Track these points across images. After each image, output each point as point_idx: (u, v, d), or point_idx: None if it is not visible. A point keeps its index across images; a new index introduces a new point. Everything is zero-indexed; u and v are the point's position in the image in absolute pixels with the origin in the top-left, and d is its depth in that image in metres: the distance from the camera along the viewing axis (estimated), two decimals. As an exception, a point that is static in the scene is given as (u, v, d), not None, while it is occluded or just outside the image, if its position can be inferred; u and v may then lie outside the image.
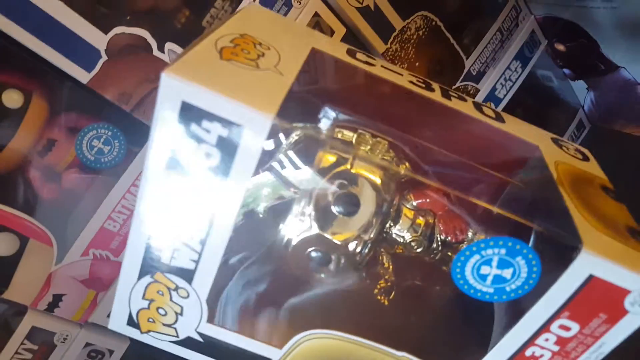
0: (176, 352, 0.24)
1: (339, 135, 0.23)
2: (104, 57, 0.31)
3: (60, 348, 0.38)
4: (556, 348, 0.20)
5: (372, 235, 0.23)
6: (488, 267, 0.20)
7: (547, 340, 0.20)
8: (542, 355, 0.21)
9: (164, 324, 0.23)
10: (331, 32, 0.37)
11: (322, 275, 0.25)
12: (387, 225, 0.24)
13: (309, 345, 0.23)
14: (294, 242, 0.24)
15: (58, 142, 0.33)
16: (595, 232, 0.19)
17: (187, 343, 0.23)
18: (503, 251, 0.20)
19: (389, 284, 0.25)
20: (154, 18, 0.31)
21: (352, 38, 0.39)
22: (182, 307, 0.23)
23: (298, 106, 0.20)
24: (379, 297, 0.25)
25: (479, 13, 0.46)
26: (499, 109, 0.51)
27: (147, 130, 0.34)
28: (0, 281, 0.33)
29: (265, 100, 0.18)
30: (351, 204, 0.23)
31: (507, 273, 0.20)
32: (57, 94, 0.31)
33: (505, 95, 0.51)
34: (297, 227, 0.24)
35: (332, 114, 0.22)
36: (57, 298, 0.36)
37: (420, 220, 0.24)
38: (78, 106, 0.32)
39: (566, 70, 0.56)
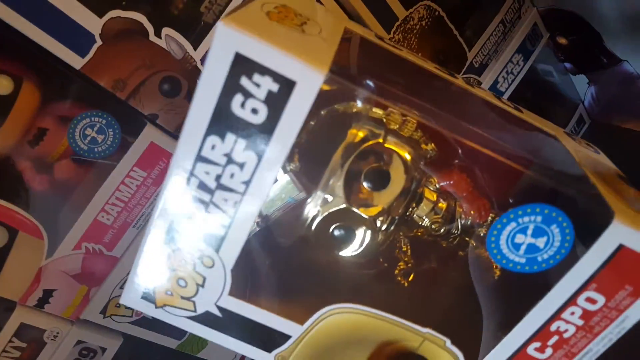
0: (189, 328, 0.23)
1: (370, 113, 0.22)
2: (99, 42, 0.29)
3: (50, 346, 0.36)
4: (581, 322, 0.21)
5: (400, 211, 0.23)
6: (523, 236, 0.21)
7: (572, 314, 0.21)
8: (566, 330, 0.21)
9: (182, 297, 0.23)
10: (333, 20, 0.36)
11: (345, 254, 0.24)
12: (410, 207, 0.23)
13: (332, 320, 0.23)
14: (318, 218, 0.23)
15: (49, 132, 0.32)
16: (624, 207, 0.20)
17: (204, 319, 0.23)
18: (539, 218, 0.20)
19: (409, 265, 0.24)
20: (151, 2, 0.30)
21: (354, 27, 0.38)
22: (204, 278, 0.22)
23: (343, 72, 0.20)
24: (399, 279, 0.24)
25: (482, 4, 0.45)
26: (500, 102, 0.50)
27: (142, 119, 0.33)
28: (-12, 276, 0.32)
29: (317, 59, 0.18)
30: (382, 179, 0.22)
31: (540, 242, 0.20)
32: (48, 80, 0.30)
33: (507, 89, 0.50)
34: (323, 202, 0.23)
35: (366, 89, 0.21)
36: (48, 293, 0.35)
37: (442, 203, 0.24)
38: (71, 93, 0.31)
39: (567, 64, 0.55)
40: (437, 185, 0.23)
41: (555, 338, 0.21)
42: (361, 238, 0.24)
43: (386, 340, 0.23)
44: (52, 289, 0.35)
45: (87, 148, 0.32)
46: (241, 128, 0.19)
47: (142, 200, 0.35)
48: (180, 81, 0.32)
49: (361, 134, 0.22)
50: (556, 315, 0.21)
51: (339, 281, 0.25)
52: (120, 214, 0.34)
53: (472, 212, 0.23)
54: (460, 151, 0.22)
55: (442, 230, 0.24)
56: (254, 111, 0.19)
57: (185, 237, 0.22)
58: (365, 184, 0.23)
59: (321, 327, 0.23)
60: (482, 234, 0.23)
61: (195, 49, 0.32)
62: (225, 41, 0.18)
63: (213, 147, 0.20)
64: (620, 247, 0.19)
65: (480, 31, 0.45)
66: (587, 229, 0.20)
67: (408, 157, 0.23)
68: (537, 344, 0.22)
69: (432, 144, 0.22)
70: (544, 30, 0.50)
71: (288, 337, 0.23)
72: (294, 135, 0.19)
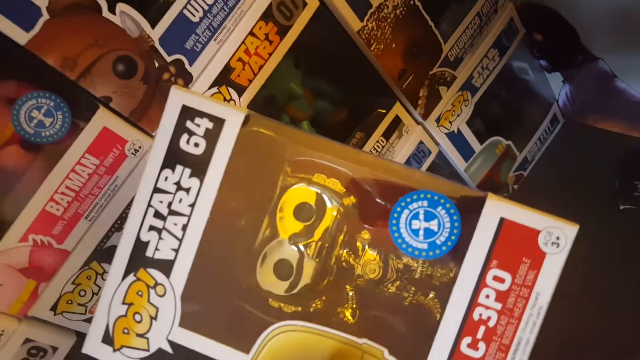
0: None
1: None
2: (46, 16, 0.27)
3: (-6, 345, 0.34)
4: (499, 306, 0.23)
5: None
6: (417, 221, 0.24)
7: (487, 297, 0.23)
8: (489, 318, 0.23)
9: (137, 335, 0.26)
10: (303, 5, 0.35)
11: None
12: (347, 259, 0.27)
13: (275, 343, 0.25)
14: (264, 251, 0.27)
15: (-6, 114, 0.29)
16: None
17: (156, 359, 0.26)
18: (425, 203, 0.24)
19: (355, 307, 0.27)
20: (105, -25, 0.28)
21: (326, 13, 0.36)
22: (157, 309, 0.26)
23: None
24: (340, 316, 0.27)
25: (458, -5, 0.44)
26: (476, 98, 0.49)
27: (94, 102, 0.30)
28: None
29: (238, 108, 0.26)
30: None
31: (433, 225, 0.24)
32: (-9, 57, 0.28)
33: (482, 85, 0.49)
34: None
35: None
36: (-9, 289, 0.32)
37: (372, 254, 0.27)
38: (15, 72, 0.29)
39: (542, 62, 0.55)
40: (366, 236, 0.26)
41: (482, 329, 0.23)
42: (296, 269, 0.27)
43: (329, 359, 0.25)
44: (-4, 284, 0.32)
45: (33, 132, 0.30)
46: (187, 159, 0.26)
47: (95, 190, 0.33)
48: (136, 62, 0.30)
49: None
50: (473, 301, 0.23)
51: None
52: (70, 204, 0.32)
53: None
54: (377, 199, 0.26)
55: (379, 275, 0.26)
56: (196, 145, 0.25)
57: (142, 266, 0.26)
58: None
59: (266, 354, 0.25)
60: (416, 276, 0.26)
61: (152, 27, 0.30)
62: (176, 98, 0.26)
63: (166, 179, 0.26)
64: (502, 220, 0.23)
65: (456, 23, 0.44)
66: (470, 211, 0.23)
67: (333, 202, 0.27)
68: (468, 339, 0.23)
69: (353, 197, 0.26)
70: (520, 26, 0.50)
71: None
72: (226, 160, 0.25)
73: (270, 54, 0.35)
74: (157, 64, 0.31)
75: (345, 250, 0.27)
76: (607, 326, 0.55)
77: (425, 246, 0.24)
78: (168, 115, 0.25)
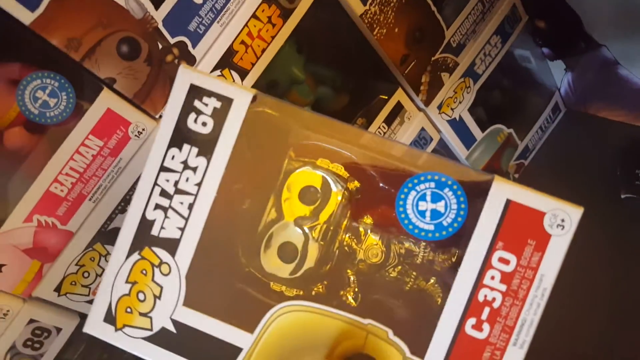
0: (144, 353, 0.26)
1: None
2: (50, -4, 0.27)
3: (0, 324, 0.34)
4: (503, 287, 0.23)
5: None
6: (424, 203, 0.24)
7: (492, 278, 0.23)
8: (493, 299, 0.23)
9: (140, 314, 0.26)
10: (306, -12, 0.35)
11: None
12: (349, 243, 0.27)
13: (280, 323, 0.25)
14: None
15: (-2, 96, 0.29)
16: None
17: (159, 338, 0.26)
18: (432, 184, 0.24)
19: (357, 291, 0.27)
20: (109, -44, 0.28)
21: (329, -4, 0.36)
22: (161, 288, 0.26)
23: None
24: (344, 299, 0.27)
25: (461, -19, 0.44)
26: (478, 85, 0.49)
27: (98, 83, 0.31)
28: None
29: (246, 88, 0.26)
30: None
31: (440, 206, 0.24)
32: (-5, 37, 0.28)
33: (484, 72, 0.49)
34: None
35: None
36: (-4, 268, 0.32)
37: (374, 238, 0.27)
38: (18, 53, 0.29)
39: (545, 50, 0.55)
40: (369, 222, 0.27)
41: (486, 310, 0.23)
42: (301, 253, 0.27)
43: (334, 341, 0.25)
44: (1, 264, 0.33)
45: (37, 112, 0.30)
46: (194, 138, 0.26)
47: (99, 172, 0.33)
48: (140, 43, 0.30)
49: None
50: (478, 282, 0.23)
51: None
52: (74, 185, 0.32)
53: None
54: (381, 183, 0.26)
55: (381, 259, 0.26)
56: (204, 124, 0.25)
57: (147, 245, 0.26)
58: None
59: (271, 333, 0.25)
60: (417, 262, 0.26)
61: (156, 8, 0.30)
62: (184, 77, 0.25)
63: (173, 158, 0.26)
64: (509, 202, 0.23)
65: (458, 9, 0.44)
66: (477, 193, 0.23)
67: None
68: (473, 321, 0.23)
69: (357, 182, 0.26)
70: (522, 12, 0.50)
71: (239, 350, 0.25)
72: (233, 140, 0.25)
73: (273, 37, 0.35)
74: (160, 46, 0.31)
75: (347, 235, 0.27)
76: (605, 315, 0.55)
77: (431, 227, 0.24)
78: (176, 94, 0.25)
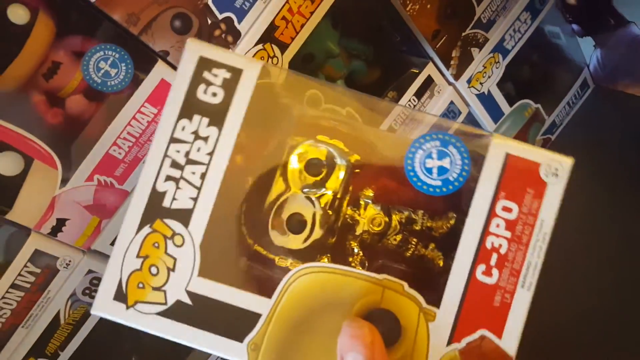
0: (159, 330, 0.25)
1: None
2: (113, -25, 0.30)
3: (62, 273, 0.38)
4: (508, 234, 0.25)
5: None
6: (431, 160, 0.25)
7: (498, 226, 0.25)
8: (500, 246, 0.25)
9: (153, 288, 0.25)
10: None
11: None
12: (352, 214, 0.28)
13: (298, 286, 0.25)
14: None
15: (63, 65, 0.33)
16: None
17: (174, 311, 0.25)
18: (437, 143, 0.25)
19: (363, 258, 0.28)
20: (165, -63, 0.30)
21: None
22: (175, 260, 0.25)
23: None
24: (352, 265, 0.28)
25: (493, -42, 0.45)
26: (507, 61, 0.51)
27: (154, 55, 0.33)
28: (4, 201, 0.34)
29: (254, 60, 0.27)
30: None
31: (446, 162, 0.25)
32: (64, 12, 0.31)
33: (513, 47, 0.51)
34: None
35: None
36: (61, 222, 0.36)
37: (375, 209, 0.28)
38: (85, 26, 0.32)
39: (575, 26, 0.55)
40: (370, 194, 0.28)
41: (494, 256, 0.25)
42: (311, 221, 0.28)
43: (352, 299, 0.25)
44: (65, 218, 0.36)
45: (100, 81, 0.33)
46: (205, 109, 0.26)
47: (152, 137, 0.36)
48: (191, 18, 0.33)
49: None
50: (485, 230, 0.25)
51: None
52: (131, 148, 0.36)
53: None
54: (381, 154, 0.27)
55: (383, 227, 0.28)
56: (214, 94, 0.26)
57: (159, 217, 0.25)
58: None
59: (289, 296, 0.25)
60: (417, 228, 0.28)
61: (207, -14, 0.32)
62: (192, 50, 0.26)
63: (183, 129, 0.26)
64: (508, 155, 0.25)
65: (489, -14, 0.45)
66: (476, 147, 0.25)
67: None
68: (483, 267, 0.25)
69: (357, 155, 0.28)
70: (553, -11, 0.50)
71: (258, 316, 0.25)
72: (244, 110, 0.26)
73: (312, 13, 0.37)
74: (209, 21, 0.34)
75: (350, 207, 0.28)
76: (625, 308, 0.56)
77: (439, 183, 0.25)
78: (184, 66, 0.26)
